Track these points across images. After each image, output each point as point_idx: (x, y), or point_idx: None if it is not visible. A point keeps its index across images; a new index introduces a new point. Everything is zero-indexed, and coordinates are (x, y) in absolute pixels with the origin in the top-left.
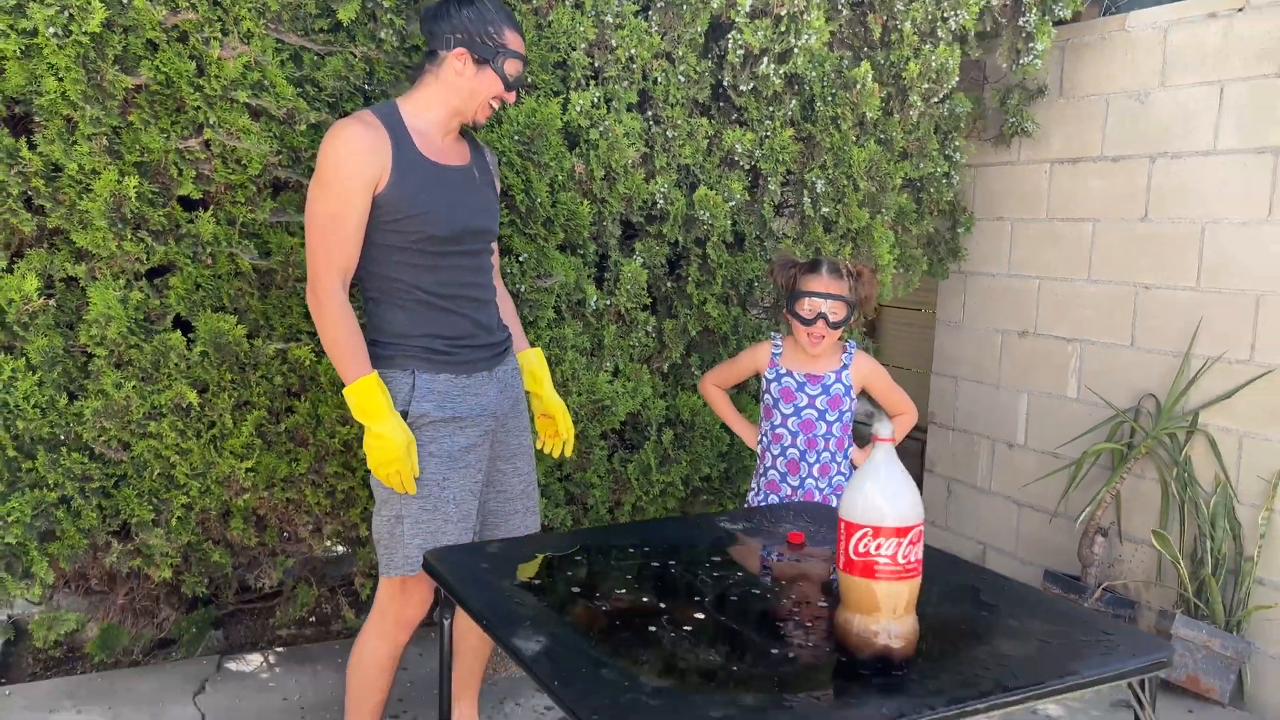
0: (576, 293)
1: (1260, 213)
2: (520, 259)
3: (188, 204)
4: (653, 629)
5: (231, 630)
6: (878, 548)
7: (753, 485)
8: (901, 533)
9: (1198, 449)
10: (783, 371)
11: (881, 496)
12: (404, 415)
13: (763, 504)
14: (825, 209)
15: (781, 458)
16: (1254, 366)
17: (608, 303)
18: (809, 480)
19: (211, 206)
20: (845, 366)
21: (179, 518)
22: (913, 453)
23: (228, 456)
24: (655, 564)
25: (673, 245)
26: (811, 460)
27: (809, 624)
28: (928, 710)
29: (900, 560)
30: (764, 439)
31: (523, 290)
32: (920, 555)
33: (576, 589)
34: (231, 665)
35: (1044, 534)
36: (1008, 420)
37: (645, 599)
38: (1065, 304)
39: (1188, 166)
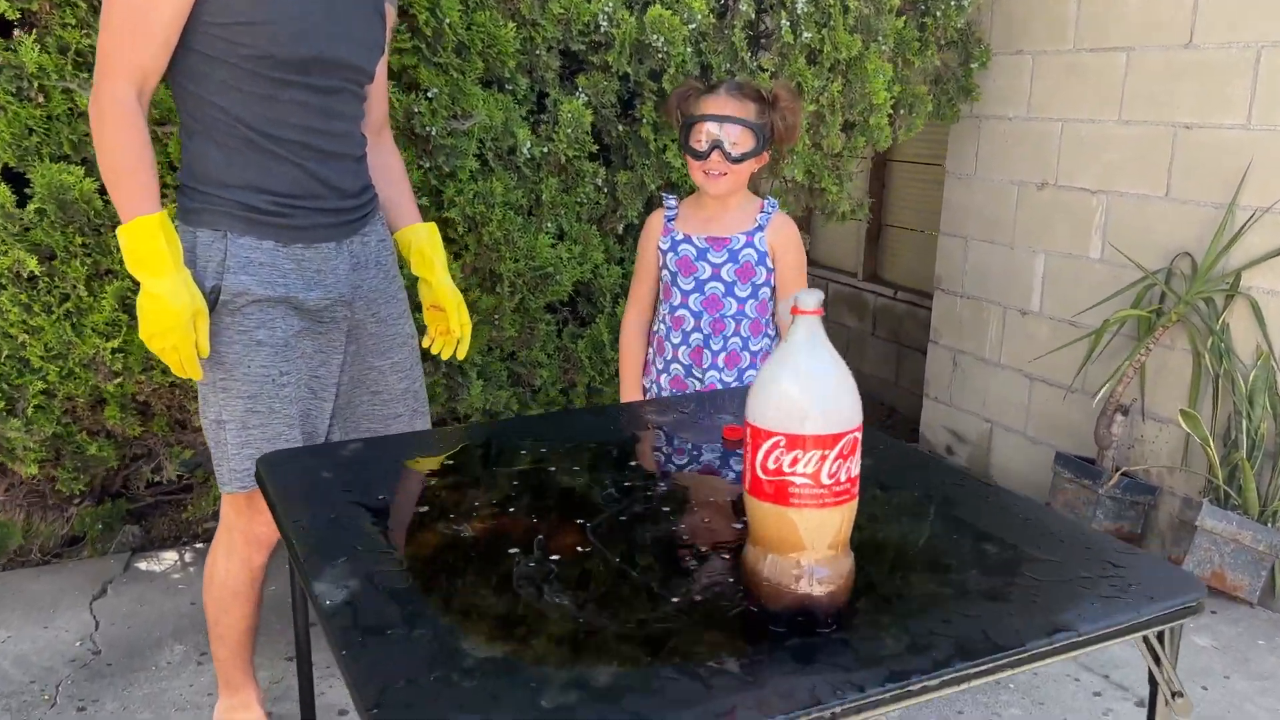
0: (505, 137)
1: None
2: (429, 95)
3: (4, 27)
4: (515, 558)
5: (154, 523)
6: (794, 463)
7: (646, 385)
8: (828, 442)
9: (1238, 315)
10: (679, 238)
11: (800, 391)
12: (215, 292)
13: None
14: (808, 34)
15: (684, 346)
16: None
17: (545, 150)
18: (711, 372)
19: (35, 29)
20: (760, 228)
21: (37, 406)
22: (921, 321)
23: (89, 335)
24: (550, 469)
25: (623, 80)
26: (716, 347)
27: (723, 555)
28: (854, 692)
29: (826, 480)
30: (663, 325)
31: (434, 133)
32: (856, 471)
33: (432, 506)
34: (142, 564)
35: (1057, 411)
36: (1021, 284)
37: (518, 519)
38: (1091, 150)
39: None
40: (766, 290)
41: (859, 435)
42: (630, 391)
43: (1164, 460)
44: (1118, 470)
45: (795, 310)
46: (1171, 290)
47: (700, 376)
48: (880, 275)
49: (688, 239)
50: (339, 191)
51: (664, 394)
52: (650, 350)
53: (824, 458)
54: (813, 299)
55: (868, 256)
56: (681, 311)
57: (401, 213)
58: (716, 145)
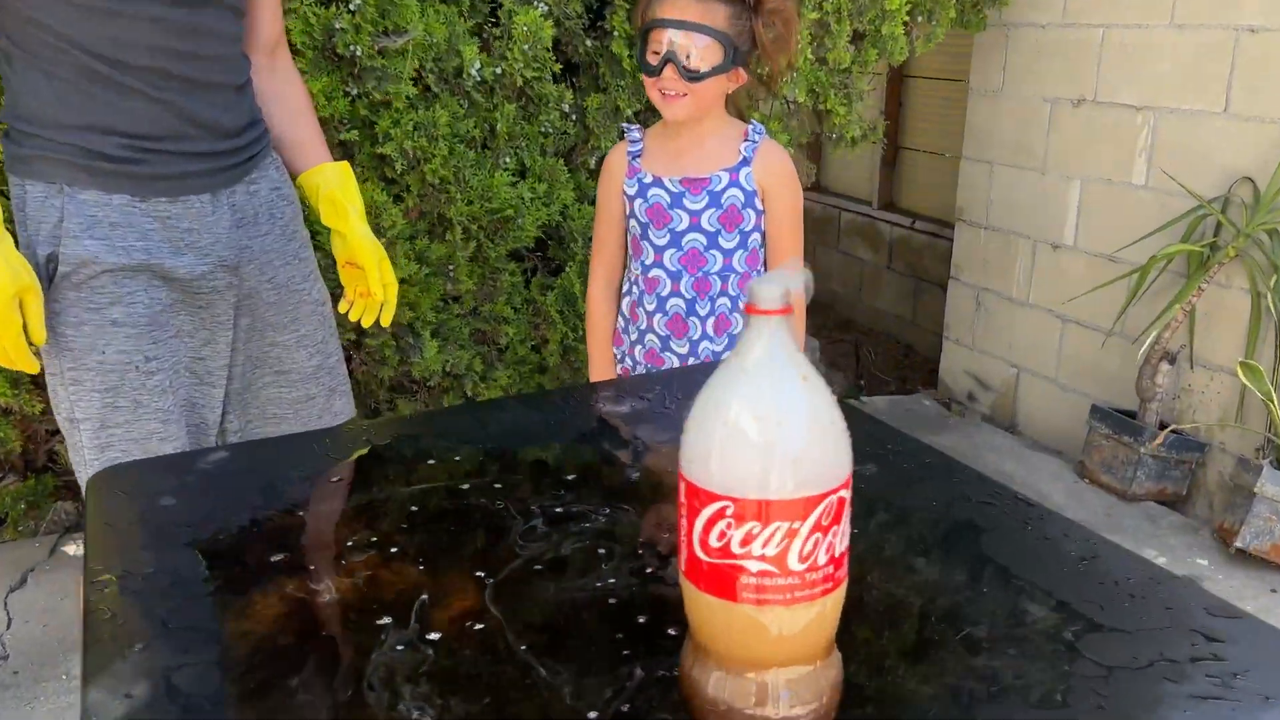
0: (450, 57)
1: None
2: (352, 8)
3: None
4: (381, 638)
5: None
6: (748, 540)
7: (617, 357)
8: (799, 510)
9: None
10: (646, 180)
11: (757, 435)
12: (52, 261)
13: None
14: None
15: (660, 314)
16: None
17: (498, 71)
18: (704, 344)
19: None
20: (745, 161)
21: None
22: (940, 253)
23: None
24: (461, 488)
25: None
26: (703, 311)
27: (670, 630)
28: None
29: (798, 564)
30: (635, 287)
31: (359, 54)
32: (844, 545)
33: (292, 551)
34: (70, 548)
35: (1093, 357)
36: (1053, 215)
37: (400, 571)
38: (1136, 60)
39: None
40: (757, 236)
41: (846, 494)
42: (601, 372)
43: (1214, 414)
44: (1162, 426)
45: (750, 308)
46: (1229, 221)
47: (685, 350)
48: (896, 204)
49: (658, 181)
50: (213, 130)
51: (639, 369)
52: (621, 317)
53: (793, 533)
54: (773, 291)
55: (883, 183)
56: (656, 272)
57: (304, 152)
58: (671, 58)
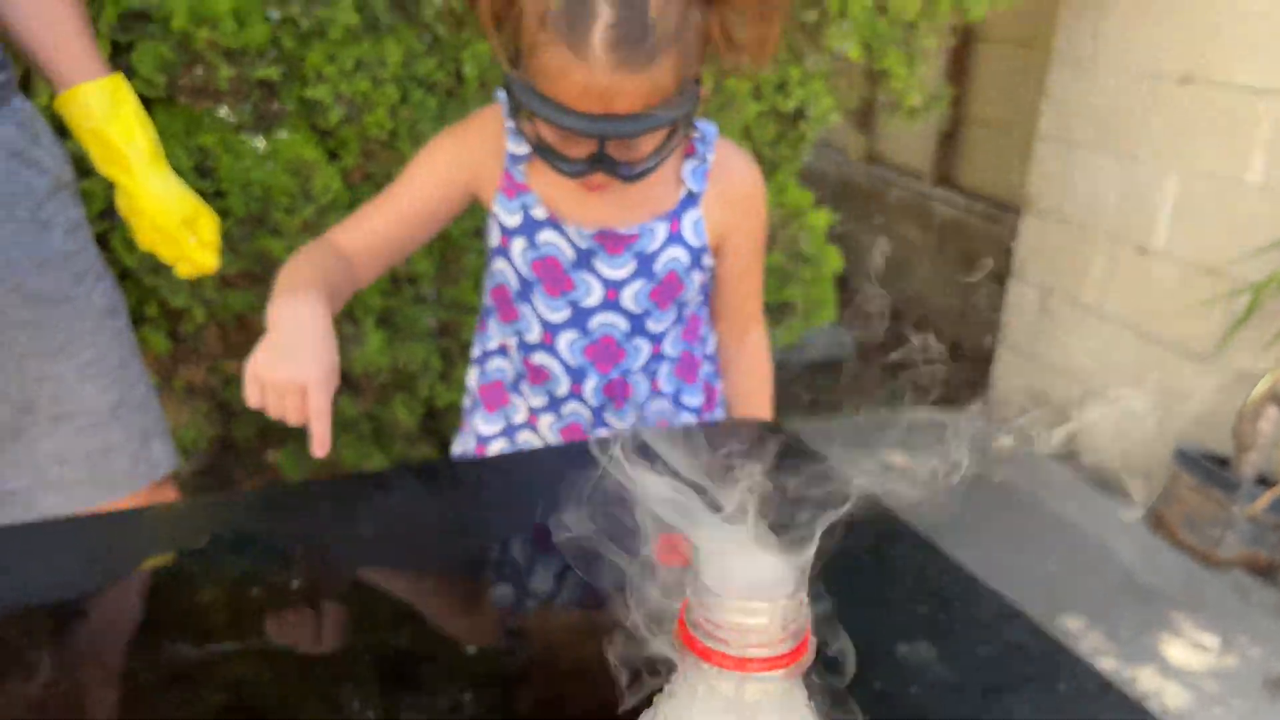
0: None
1: None
2: None
3: None
4: None
5: None
6: None
7: (487, 437)
8: None
9: None
10: (538, 216)
11: None
12: None
13: None
14: None
15: (551, 416)
16: None
17: None
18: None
19: None
20: (692, 199)
21: None
22: (995, 240)
23: None
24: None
25: None
26: (621, 422)
27: None
28: None
29: None
30: (509, 364)
31: None
32: None
33: None
34: None
35: (1181, 386)
36: (1143, 212)
37: None
38: (1262, 31)
39: None
40: (701, 297)
41: None
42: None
43: None
44: (1261, 480)
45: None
46: None
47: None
48: (954, 181)
49: (555, 224)
50: None
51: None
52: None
53: None
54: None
55: (939, 157)
56: (544, 360)
57: (56, 69)
58: (600, 163)
